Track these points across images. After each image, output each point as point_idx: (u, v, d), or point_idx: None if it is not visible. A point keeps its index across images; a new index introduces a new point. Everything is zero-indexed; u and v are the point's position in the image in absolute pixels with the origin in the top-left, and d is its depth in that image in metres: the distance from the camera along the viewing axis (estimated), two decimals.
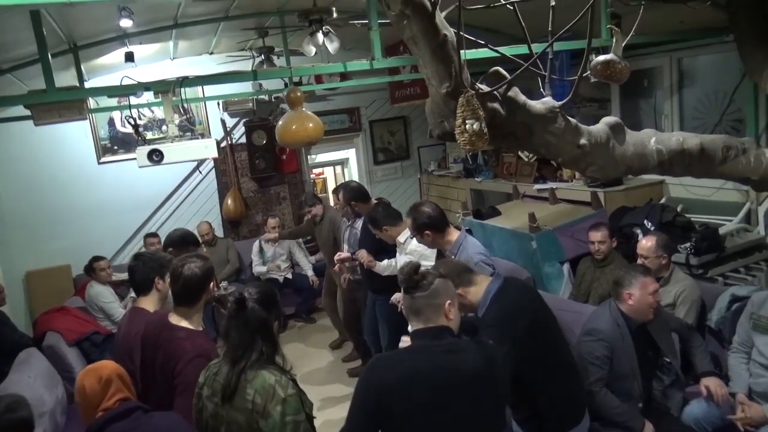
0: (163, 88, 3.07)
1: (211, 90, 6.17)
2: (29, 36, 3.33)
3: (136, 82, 3.13)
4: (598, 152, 2.34)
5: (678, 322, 3.11)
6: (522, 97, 2.30)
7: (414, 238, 3.27)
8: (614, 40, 2.13)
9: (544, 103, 2.31)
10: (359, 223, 4.38)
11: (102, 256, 5.47)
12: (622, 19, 3.83)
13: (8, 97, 3.21)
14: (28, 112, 5.39)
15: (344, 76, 6.73)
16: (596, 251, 3.97)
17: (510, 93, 2.29)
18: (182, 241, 3.81)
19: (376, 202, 4.25)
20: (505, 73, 2.28)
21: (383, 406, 1.86)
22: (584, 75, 2.28)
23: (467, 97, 1.94)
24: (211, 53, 6.39)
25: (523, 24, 2.26)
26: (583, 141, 2.32)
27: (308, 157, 7.60)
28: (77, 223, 6.37)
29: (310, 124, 3.87)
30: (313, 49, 4.03)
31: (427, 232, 3.07)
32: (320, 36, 3.98)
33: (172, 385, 2.28)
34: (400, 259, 3.66)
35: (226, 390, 1.92)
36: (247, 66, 5.61)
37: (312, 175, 8.80)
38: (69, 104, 2.87)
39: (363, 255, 3.93)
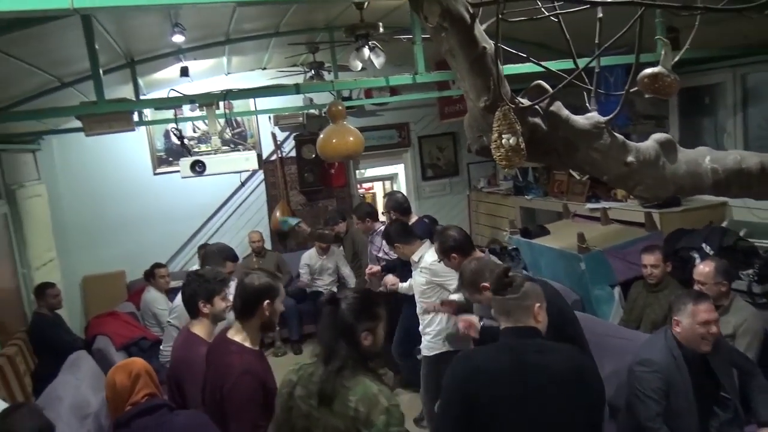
0: (207, 101, 3.14)
1: (262, 104, 6.30)
2: (86, 52, 3.48)
3: (182, 95, 3.21)
4: (646, 170, 2.21)
5: (740, 357, 2.89)
6: (565, 112, 2.20)
7: (426, 257, 3.52)
8: (663, 53, 2.01)
9: (589, 118, 2.20)
10: (376, 239, 4.61)
11: (163, 263, 5.63)
12: (680, 33, 3.66)
13: (61, 108, 3.36)
14: None
15: (393, 91, 6.75)
16: (649, 275, 3.77)
17: (552, 107, 2.20)
18: (218, 255, 3.74)
19: (421, 217, 4.27)
20: (547, 86, 2.19)
21: (472, 404, 1.86)
22: (633, 90, 2.17)
23: (504, 111, 1.87)
24: (264, 68, 6.53)
25: (567, 36, 2.17)
26: (630, 158, 2.20)
27: (356, 171, 7.63)
28: (133, 232, 6.60)
29: (351, 138, 3.87)
30: (359, 64, 4.04)
31: (453, 255, 3.17)
32: (366, 51, 3.98)
33: (218, 401, 2.23)
34: (415, 277, 3.71)
35: (323, 393, 1.91)
36: (298, 81, 5.70)
37: (361, 190, 8.83)
38: (118, 115, 2.97)
39: (389, 280, 4.04)
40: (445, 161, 7.73)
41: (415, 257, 3.70)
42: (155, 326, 5.48)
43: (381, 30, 3.99)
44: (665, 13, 3.16)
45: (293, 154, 7.03)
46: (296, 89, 3.38)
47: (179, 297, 3.17)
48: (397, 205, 4.32)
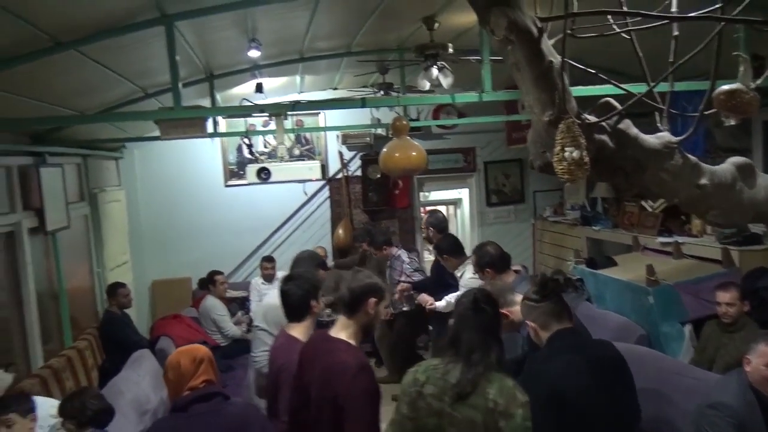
0: (276, 110, 3.25)
1: (331, 120, 6.45)
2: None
3: (252, 104, 3.33)
4: (721, 194, 2.10)
5: None
6: (634, 130, 2.13)
7: (466, 273, 3.82)
8: (742, 69, 1.91)
9: (660, 137, 2.12)
10: (395, 263, 5.12)
11: (221, 271, 5.81)
12: (765, 60, 3.48)
13: (141, 112, 3.57)
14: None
15: (461, 115, 6.75)
16: (724, 314, 3.54)
17: (621, 125, 2.13)
18: (310, 262, 3.72)
19: (486, 243, 4.28)
20: (615, 104, 2.13)
21: (565, 409, 1.99)
22: (709, 112, 2.07)
23: (568, 124, 1.82)
24: (335, 89, 6.69)
25: (639, 53, 2.11)
26: (703, 181, 2.09)
27: (420, 193, 7.63)
28: (201, 240, 6.85)
29: (413, 153, 3.88)
30: (427, 84, 4.07)
31: (487, 270, 3.38)
32: (434, 70, 4.01)
33: (331, 401, 2.10)
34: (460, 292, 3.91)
35: (463, 389, 1.96)
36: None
37: (423, 214, 8.81)
38: (192, 122, 3.13)
39: (424, 299, 4.26)
40: (511, 188, 7.61)
41: (457, 272, 4.02)
42: (215, 332, 5.64)
43: (450, 50, 4.02)
44: (747, 33, 3.01)
45: (359, 173, 7.12)
46: (362, 103, 3.45)
47: (267, 300, 3.16)
48: (437, 222, 4.75)
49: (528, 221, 7.63)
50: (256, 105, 3.38)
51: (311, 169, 3.56)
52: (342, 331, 2.26)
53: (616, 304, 4.32)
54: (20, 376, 3.83)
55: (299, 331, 2.68)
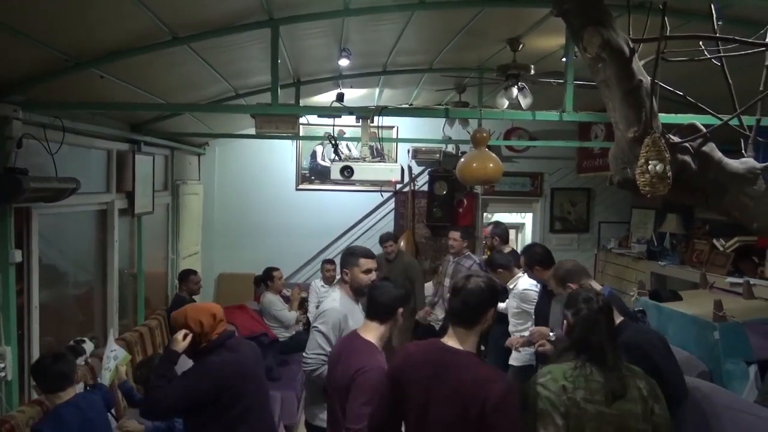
0: (364, 113, 3.45)
1: (404, 133, 6.63)
2: (263, 66, 3.94)
3: (342, 106, 3.53)
4: None
5: None
6: (718, 154, 2.18)
7: (519, 284, 4.24)
8: None
9: (744, 162, 2.16)
10: (465, 261, 5.34)
11: (277, 267, 6.04)
12: None
13: (243, 106, 3.83)
14: (249, 131, 6.29)
15: (532, 138, 6.80)
16: None
17: (705, 148, 2.18)
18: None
19: (532, 245, 4.61)
20: (701, 126, 2.18)
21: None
22: None
23: (654, 138, 1.90)
24: (411, 105, 6.87)
25: (729, 80, 2.16)
26: None
27: (484, 214, 7.68)
28: (268, 239, 7.13)
29: (490, 164, 3.99)
30: (506, 102, 4.18)
31: (537, 267, 3.83)
32: (515, 90, 4.12)
33: (476, 417, 1.96)
34: (510, 301, 4.42)
35: (618, 390, 2.09)
36: (440, 121, 5.96)
37: (486, 235, 8.84)
38: (285, 119, 3.35)
39: None
40: (576, 216, 7.56)
41: (510, 285, 4.40)
42: (275, 327, 5.85)
43: (532, 72, 4.12)
44: None
45: (425, 188, 7.25)
46: (446, 113, 3.59)
47: (328, 302, 3.11)
48: (502, 232, 5.36)
49: (591, 251, 7.54)
50: (345, 107, 3.58)
51: (392, 170, 3.74)
52: (459, 344, 2.12)
53: (679, 339, 4.24)
54: (98, 344, 4.12)
55: (375, 335, 2.63)
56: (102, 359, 3.63)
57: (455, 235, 5.48)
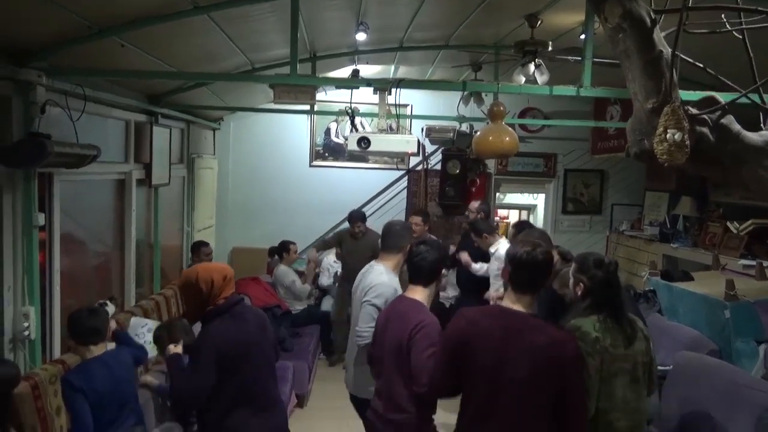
0: (382, 85, 3.46)
1: (418, 112, 6.63)
2: (280, 40, 3.95)
3: (359, 78, 3.55)
4: None
5: None
6: (736, 126, 2.19)
7: (500, 248, 4.63)
8: None
9: (762, 135, 2.17)
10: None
11: (293, 241, 6.12)
12: None
13: (262, 76, 3.85)
14: (265, 105, 6.31)
15: (547, 118, 6.78)
16: None
17: (723, 120, 2.19)
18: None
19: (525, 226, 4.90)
20: (719, 98, 2.19)
21: None
22: None
23: (673, 107, 1.91)
24: None
25: (750, 52, 2.16)
26: None
27: (497, 194, 7.69)
28: (281, 216, 7.20)
29: (507, 138, 4.00)
30: (522, 79, 4.17)
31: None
32: (531, 67, 4.11)
33: (549, 378, 2.18)
34: (492, 264, 4.85)
35: (633, 334, 2.48)
36: (455, 100, 5.94)
37: (497, 217, 8.85)
38: (304, 89, 3.38)
39: (465, 256, 5.16)
40: (589, 198, 7.55)
41: (492, 249, 4.81)
42: (288, 299, 5.95)
43: (550, 48, 4.10)
44: None
45: (438, 167, 7.27)
46: (463, 86, 3.60)
47: (374, 276, 3.13)
48: (487, 209, 5.85)
49: (603, 233, 7.55)
50: (363, 78, 3.60)
51: (408, 142, 3.77)
52: (524, 307, 2.30)
53: (689, 318, 4.27)
54: (117, 309, 4.21)
55: (422, 297, 2.74)
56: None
57: (417, 219, 5.60)
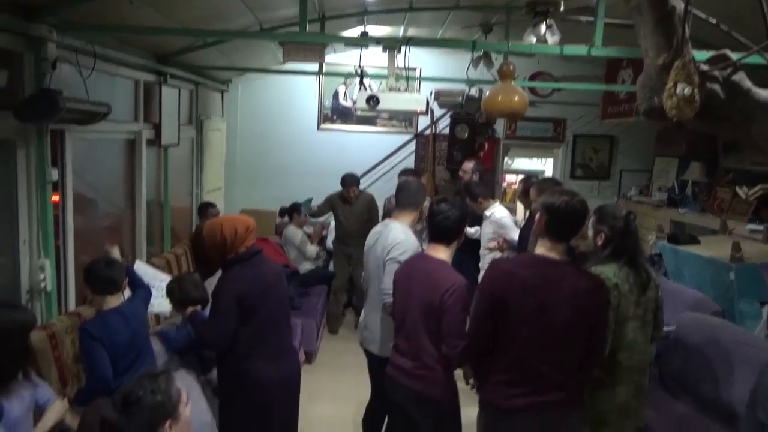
0: (391, 43, 3.45)
1: (427, 74, 6.58)
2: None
3: (368, 36, 3.53)
4: None
5: None
6: (747, 83, 2.18)
7: (496, 212, 4.78)
8: None
9: None
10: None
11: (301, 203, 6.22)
12: None
13: (271, 33, 3.83)
14: (274, 66, 6.27)
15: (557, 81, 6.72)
16: None
17: (734, 77, 2.19)
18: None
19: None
20: (731, 55, 2.18)
21: None
22: None
23: (684, 61, 1.91)
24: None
25: (764, 6, 2.13)
26: None
27: (505, 159, 7.68)
28: (289, 178, 7.23)
29: (516, 97, 3.98)
30: (533, 40, 4.12)
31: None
32: (543, 27, 4.06)
33: (587, 320, 2.31)
34: (484, 227, 4.87)
35: (647, 281, 2.68)
36: (464, 64, 5.87)
37: (504, 183, 8.85)
38: (313, 47, 3.38)
39: None
40: (598, 164, 7.52)
41: (487, 212, 4.82)
42: (296, 260, 6.05)
43: (562, 8, 4.04)
44: None
45: (446, 132, 7.24)
46: (473, 45, 3.57)
47: (395, 234, 3.13)
48: (483, 169, 5.87)
49: (611, 199, 7.52)
50: (371, 37, 3.58)
51: (417, 100, 3.78)
52: (544, 250, 2.40)
53: (695, 281, 4.30)
54: (123, 260, 4.27)
55: (446, 255, 2.77)
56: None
57: (468, 166, 5.68)
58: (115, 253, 3.33)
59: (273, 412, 2.94)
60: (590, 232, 2.78)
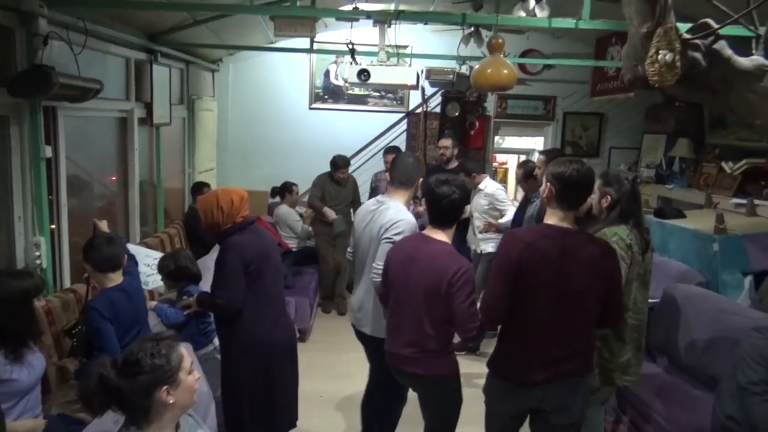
0: (382, 17, 3.47)
1: (418, 51, 6.60)
2: None
3: (359, 10, 3.55)
4: None
5: None
6: (728, 51, 2.23)
7: (489, 186, 5.13)
8: None
9: (753, 60, 2.22)
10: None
11: (295, 183, 6.25)
12: None
13: (262, 7, 3.82)
14: (265, 44, 6.24)
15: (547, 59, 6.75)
16: None
17: (716, 46, 2.24)
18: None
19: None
20: (713, 23, 2.23)
21: None
22: None
23: (666, 28, 1.96)
24: (426, 23, 6.76)
25: None
26: None
27: (495, 137, 7.72)
28: (280, 158, 7.24)
29: (505, 71, 4.01)
30: (523, 14, 4.16)
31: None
32: (532, 2, 4.10)
33: (601, 282, 2.39)
34: (479, 200, 5.14)
35: (649, 242, 2.84)
36: (455, 42, 5.88)
37: (495, 163, 8.90)
38: (304, 21, 3.39)
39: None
40: (587, 141, 7.59)
41: (481, 186, 5.12)
42: (288, 238, 6.09)
43: None
44: None
45: (437, 110, 7.27)
46: (462, 17, 3.60)
47: (393, 213, 3.00)
48: (456, 143, 5.99)
49: None
50: (362, 10, 3.59)
51: (408, 74, 3.82)
52: (557, 220, 2.44)
53: (680, 253, 4.40)
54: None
55: (447, 237, 2.71)
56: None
57: (446, 142, 5.89)
58: (104, 227, 3.31)
59: (277, 373, 3.04)
60: (595, 195, 2.83)
